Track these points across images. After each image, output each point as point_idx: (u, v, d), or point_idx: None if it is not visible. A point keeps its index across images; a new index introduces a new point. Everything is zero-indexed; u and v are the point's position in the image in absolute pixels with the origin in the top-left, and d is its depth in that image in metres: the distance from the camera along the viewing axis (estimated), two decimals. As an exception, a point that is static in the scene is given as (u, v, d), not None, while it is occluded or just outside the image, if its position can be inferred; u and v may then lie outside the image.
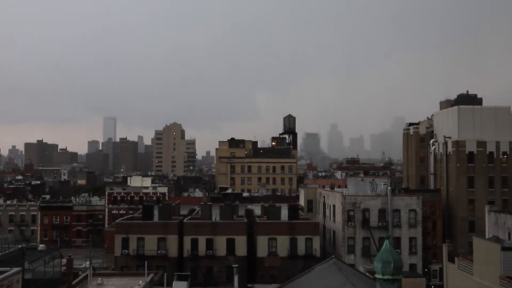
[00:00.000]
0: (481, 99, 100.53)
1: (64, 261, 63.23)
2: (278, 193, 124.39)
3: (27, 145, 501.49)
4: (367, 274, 43.95)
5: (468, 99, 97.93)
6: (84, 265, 72.99)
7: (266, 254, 65.01)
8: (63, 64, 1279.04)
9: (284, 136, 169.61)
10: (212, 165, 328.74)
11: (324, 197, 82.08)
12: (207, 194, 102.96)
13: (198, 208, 76.98)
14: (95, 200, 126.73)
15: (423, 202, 75.40)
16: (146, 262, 54.31)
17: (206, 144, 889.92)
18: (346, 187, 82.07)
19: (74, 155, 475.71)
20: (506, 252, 36.06)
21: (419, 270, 69.08)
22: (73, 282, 49.41)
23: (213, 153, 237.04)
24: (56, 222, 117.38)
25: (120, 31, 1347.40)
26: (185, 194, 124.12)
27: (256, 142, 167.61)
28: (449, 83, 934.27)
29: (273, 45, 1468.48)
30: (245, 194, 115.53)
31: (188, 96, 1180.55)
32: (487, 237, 50.28)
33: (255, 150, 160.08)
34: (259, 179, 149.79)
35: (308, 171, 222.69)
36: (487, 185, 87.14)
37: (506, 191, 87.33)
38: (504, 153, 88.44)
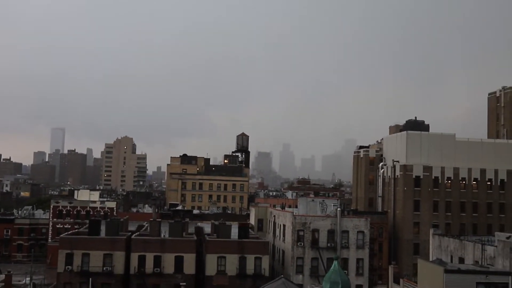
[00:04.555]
0: (428, 125, 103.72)
1: (2, 276, 60.92)
2: (228, 211, 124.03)
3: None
4: (314, 294, 44.35)
5: (416, 125, 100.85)
6: (24, 281, 70.24)
7: (215, 273, 64.52)
8: (10, 71, 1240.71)
9: (236, 154, 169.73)
10: (163, 181, 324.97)
11: (274, 216, 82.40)
12: (156, 210, 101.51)
13: (147, 224, 75.79)
14: (39, 213, 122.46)
15: (371, 224, 76.84)
16: (90, 279, 52.95)
17: (157, 159, 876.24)
18: (296, 207, 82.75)
19: (18, 165, 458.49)
20: (449, 275, 37.23)
21: (365, 291, 70.03)
22: (12, 299, 47.51)
23: (164, 169, 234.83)
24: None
25: (70, 41, 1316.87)
26: (134, 210, 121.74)
27: (209, 159, 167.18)
28: (399, 109, 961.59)
29: (229, 63, 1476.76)
30: (196, 211, 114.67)
31: (141, 110, 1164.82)
32: (431, 259, 51.60)
33: (207, 167, 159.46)
34: (210, 196, 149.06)
35: (260, 190, 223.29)
36: (432, 209, 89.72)
37: (449, 215, 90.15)
38: (449, 178, 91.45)
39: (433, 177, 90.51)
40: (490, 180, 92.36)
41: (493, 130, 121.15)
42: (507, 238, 46.76)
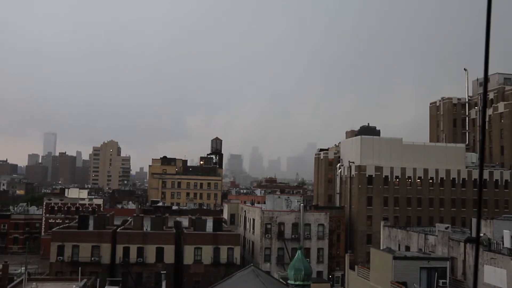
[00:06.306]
0: (379, 130, 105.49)
1: (-1, 267, 59.14)
2: (204, 207, 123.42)
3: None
4: (281, 280, 44.46)
5: (369, 130, 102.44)
6: (20, 270, 68.43)
7: (192, 262, 64.13)
8: (4, 78, 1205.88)
9: (211, 156, 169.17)
10: (145, 180, 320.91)
11: (245, 211, 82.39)
12: (139, 207, 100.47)
13: (130, 219, 74.86)
14: (33, 209, 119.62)
15: (330, 218, 77.55)
16: (80, 268, 51.94)
17: (140, 161, 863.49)
18: (264, 203, 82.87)
19: (14, 166, 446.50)
20: (397, 261, 37.85)
21: (325, 277, 70.63)
22: (8, 287, 46.28)
23: (146, 169, 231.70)
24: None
25: (60, 49, 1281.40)
26: (119, 206, 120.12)
27: (186, 160, 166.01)
28: (355, 116, 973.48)
29: (205, 73, 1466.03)
30: (175, 207, 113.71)
31: (125, 115, 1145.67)
32: (381, 248, 52.33)
33: (185, 168, 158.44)
34: (188, 194, 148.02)
35: (232, 188, 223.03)
36: (382, 203, 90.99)
37: (398, 209, 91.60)
38: (397, 177, 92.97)
39: (383, 176, 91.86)
40: (431, 178, 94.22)
41: (434, 135, 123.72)
42: (446, 228, 47.82)
